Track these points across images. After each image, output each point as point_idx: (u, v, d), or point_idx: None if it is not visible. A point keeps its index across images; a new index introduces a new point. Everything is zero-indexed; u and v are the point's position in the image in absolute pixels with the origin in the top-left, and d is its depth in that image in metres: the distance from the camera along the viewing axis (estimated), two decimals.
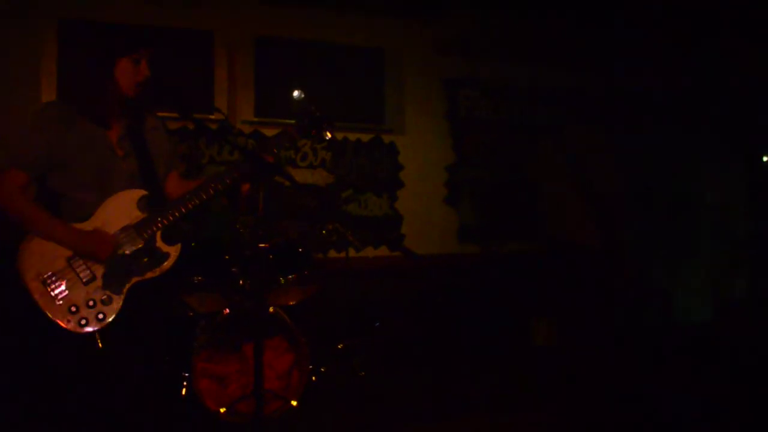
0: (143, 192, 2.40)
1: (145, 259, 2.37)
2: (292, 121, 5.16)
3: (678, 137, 6.29)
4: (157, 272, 2.38)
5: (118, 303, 2.31)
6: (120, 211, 2.36)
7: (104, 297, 2.31)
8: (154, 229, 2.37)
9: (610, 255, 6.12)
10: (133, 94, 2.38)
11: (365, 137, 5.65)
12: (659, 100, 6.26)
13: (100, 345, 2.31)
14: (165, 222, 2.38)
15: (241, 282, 3.65)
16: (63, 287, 2.29)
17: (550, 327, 5.49)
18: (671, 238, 6.41)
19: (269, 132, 5.27)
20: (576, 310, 5.55)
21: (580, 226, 6.31)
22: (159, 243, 2.39)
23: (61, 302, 2.28)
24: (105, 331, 2.31)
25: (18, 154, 2.32)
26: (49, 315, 2.28)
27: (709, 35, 5.74)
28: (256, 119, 5.23)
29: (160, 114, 2.62)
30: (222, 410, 3.39)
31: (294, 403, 3.49)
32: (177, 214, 2.39)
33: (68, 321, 2.28)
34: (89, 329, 2.29)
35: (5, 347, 3.43)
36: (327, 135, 2.66)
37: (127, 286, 2.33)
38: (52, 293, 2.28)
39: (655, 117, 6.30)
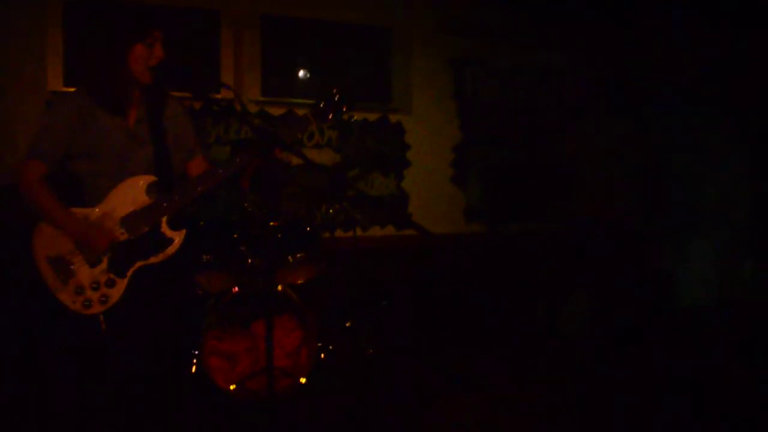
0: (152, 178, 2.42)
1: (150, 244, 2.39)
2: (299, 101, 5.25)
3: (683, 120, 6.27)
4: (160, 257, 2.40)
5: (121, 286, 2.36)
6: (128, 196, 2.39)
7: (108, 280, 2.35)
8: (160, 215, 2.40)
9: (617, 237, 6.11)
10: (148, 79, 2.38)
11: (372, 116, 5.63)
12: (667, 84, 6.23)
13: (103, 327, 2.35)
14: (170, 208, 2.40)
15: (249, 260, 3.67)
16: (70, 268, 2.35)
17: (555, 309, 5.51)
18: (676, 221, 6.41)
19: (276, 111, 5.27)
20: (581, 292, 5.57)
21: (589, 207, 6.31)
22: (164, 228, 2.41)
23: (67, 283, 2.34)
24: (112, 312, 2.36)
25: (37, 145, 2.36)
26: (57, 296, 2.35)
27: (716, 23, 5.69)
28: (262, 98, 5.22)
29: (172, 93, 2.62)
30: (231, 387, 3.43)
31: (302, 380, 3.52)
32: (183, 200, 2.42)
33: (74, 302, 2.34)
34: (93, 311, 2.34)
35: (18, 325, 3.49)
36: (351, 116, 2.62)
37: (131, 269, 2.37)
38: (60, 274, 2.34)
39: (663, 101, 6.28)
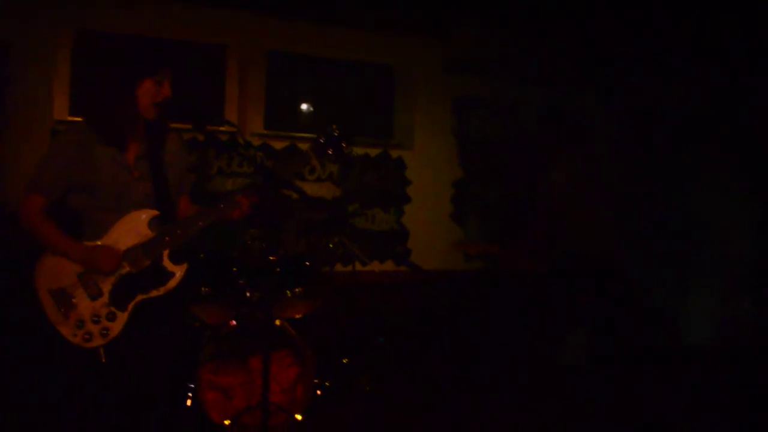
0: (154, 212, 2.43)
1: (151, 278, 2.40)
2: (301, 135, 5.31)
3: (684, 157, 6.31)
4: (161, 291, 2.41)
5: (122, 319, 2.36)
6: (131, 230, 2.40)
7: (109, 313, 2.35)
8: (162, 248, 2.40)
9: (618, 275, 6.10)
10: (152, 115, 2.41)
11: (373, 152, 5.69)
12: (666, 119, 6.28)
13: (103, 359, 2.34)
14: (172, 242, 2.41)
15: (248, 294, 3.65)
16: (71, 301, 2.35)
17: (555, 346, 5.47)
18: (676, 259, 6.40)
19: (278, 145, 5.32)
20: (579, 330, 5.53)
21: (586, 245, 6.30)
22: (165, 262, 2.42)
23: (68, 317, 2.34)
24: (111, 344, 2.36)
25: (38, 179, 2.38)
26: (57, 328, 2.35)
27: (714, 53, 5.76)
28: (265, 132, 5.27)
29: (172, 125, 2.64)
30: (227, 422, 3.38)
31: (298, 417, 3.48)
32: (185, 235, 2.43)
33: (74, 335, 2.34)
34: (93, 345, 2.34)
35: (20, 354, 3.48)
36: (351, 151, 2.64)
37: (132, 303, 2.38)
38: (61, 307, 2.35)
39: (661, 136, 6.33)
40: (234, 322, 3.55)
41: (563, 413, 4.10)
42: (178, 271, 2.43)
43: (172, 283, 2.41)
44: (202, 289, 3.68)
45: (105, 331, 2.33)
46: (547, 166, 6.38)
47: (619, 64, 5.99)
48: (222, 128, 4.89)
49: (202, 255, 3.68)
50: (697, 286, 6.34)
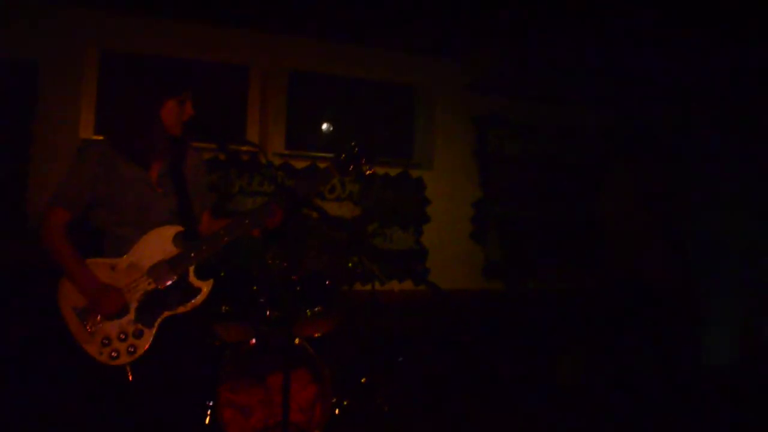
0: (179, 228, 2.44)
1: (178, 294, 2.41)
2: (322, 155, 5.33)
3: (706, 178, 6.24)
4: (188, 307, 2.41)
5: (149, 336, 2.36)
6: (155, 246, 2.40)
7: (136, 330, 2.35)
8: (187, 264, 2.41)
9: (637, 294, 6.04)
10: (179, 132, 2.45)
11: (393, 171, 5.70)
12: (684, 140, 6.24)
13: (130, 377, 2.34)
14: (198, 258, 2.42)
15: (268, 312, 3.67)
16: (96, 319, 2.34)
17: (575, 366, 5.41)
18: (698, 279, 6.31)
19: (299, 164, 5.35)
20: (603, 348, 5.48)
21: (608, 264, 6.25)
22: (191, 278, 2.43)
23: (94, 334, 2.33)
24: (138, 362, 2.35)
25: (61, 193, 2.40)
26: (83, 347, 2.34)
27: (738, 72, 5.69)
28: (286, 151, 5.31)
29: (195, 144, 2.67)
30: None
31: None
32: (210, 250, 2.44)
33: (100, 353, 2.33)
34: (120, 362, 2.33)
35: (45, 370, 3.51)
36: (367, 171, 2.65)
37: (159, 319, 2.37)
38: (87, 325, 2.34)
39: (680, 157, 6.28)
40: (253, 341, 3.56)
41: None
42: (205, 287, 2.43)
43: (199, 299, 2.42)
44: (223, 307, 3.71)
45: (132, 349, 2.33)
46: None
47: (639, 82, 5.96)
48: (243, 148, 4.94)
49: (222, 273, 3.70)
50: (718, 306, 6.25)
